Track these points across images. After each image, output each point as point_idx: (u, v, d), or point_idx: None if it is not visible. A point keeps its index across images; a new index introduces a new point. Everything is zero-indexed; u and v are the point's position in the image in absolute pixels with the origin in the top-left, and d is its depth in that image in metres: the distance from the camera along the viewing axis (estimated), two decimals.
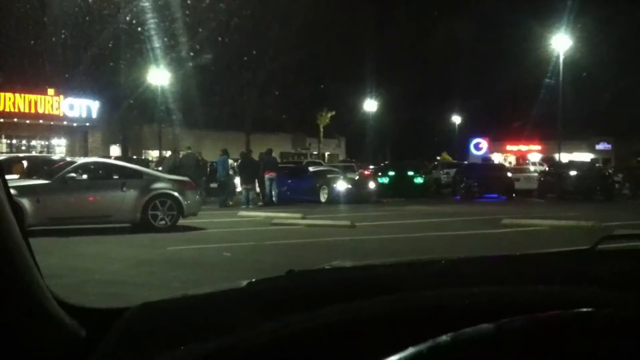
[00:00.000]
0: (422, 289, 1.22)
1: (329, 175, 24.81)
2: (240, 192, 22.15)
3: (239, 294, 1.37)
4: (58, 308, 1.22)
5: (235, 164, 23.54)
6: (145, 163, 25.73)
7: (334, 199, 22.76)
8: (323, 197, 23.25)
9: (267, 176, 22.26)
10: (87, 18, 26.08)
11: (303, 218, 15.76)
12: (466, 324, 0.82)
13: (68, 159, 18.67)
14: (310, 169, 26.26)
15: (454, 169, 33.07)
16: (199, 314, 1.23)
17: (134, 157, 35.15)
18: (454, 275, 1.41)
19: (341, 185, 23.45)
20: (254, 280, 1.46)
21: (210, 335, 1.09)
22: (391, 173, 28.67)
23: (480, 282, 1.26)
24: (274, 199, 22.10)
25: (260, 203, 21.39)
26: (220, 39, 30.94)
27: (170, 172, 17.70)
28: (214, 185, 23.23)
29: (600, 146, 57.84)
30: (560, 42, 35.88)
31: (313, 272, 1.60)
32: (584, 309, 0.89)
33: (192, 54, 30.96)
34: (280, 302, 1.26)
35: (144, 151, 41.73)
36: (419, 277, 1.41)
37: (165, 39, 28.31)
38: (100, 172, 14.57)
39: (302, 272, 1.50)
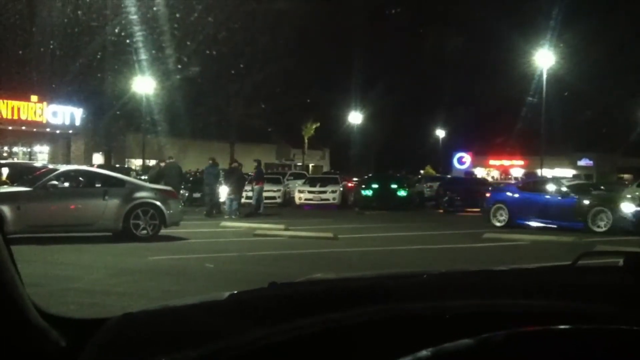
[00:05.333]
0: (404, 301, 1.22)
1: (595, 192, 18.77)
2: (224, 202, 22.02)
3: (221, 304, 1.37)
4: (39, 318, 1.22)
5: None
6: (126, 172, 25.51)
7: (618, 225, 16.69)
8: (596, 225, 17.07)
9: (257, 187, 22.57)
10: (74, 28, 25.97)
11: (286, 229, 15.74)
12: (447, 338, 0.82)
13: (50, 166, 18.50)
14: (565, 182, 19.61)
15: (437, 183, 33.22)
16: (180, 324, 1.23)
17: (117, 165, 34.98)
18: (436, 289, 1.42)
19: (628, 207, 17.04)
20: (235, 291, 1.46)
21: (192, 345, 1.09)
22: (375, 185, 28.70)
23: (462, 296, 1.27)
24: (260, 209, 22.30)
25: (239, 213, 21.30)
26: (207, 51, 30.94)
27: (153, 181, 17.63)
28: (197, 195, 23.11)
29: (582, 162, 58.38)
30: (544, 59, 36.30)
31: (296, 284, 1.60)
32: (564, 326, 0.91)
33: (179, 65, 30.94)
34: (263, 312, 1.26)
35: (127, 160, 41.53)
36: (401, 290, 1.42)
37: (152, 50, 28.26)
38: (82, 180, 14.46)
39: (285, 284, 1.50)
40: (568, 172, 48.83)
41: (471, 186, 29.02)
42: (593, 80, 43.76)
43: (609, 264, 1.83)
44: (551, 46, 36.12)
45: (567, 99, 43.90)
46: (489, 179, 44.96)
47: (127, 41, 26.61)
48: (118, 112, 35.56)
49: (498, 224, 18.58)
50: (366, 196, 28.08)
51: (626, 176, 36.65)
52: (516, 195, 19.16)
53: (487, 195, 21.21)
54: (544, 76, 35.84)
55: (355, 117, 54.64)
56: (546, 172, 39.40)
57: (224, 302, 1.38)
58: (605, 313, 1.14)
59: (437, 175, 42.50)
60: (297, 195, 29.46)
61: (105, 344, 1.18)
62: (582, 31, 41.38)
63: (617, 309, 1.15)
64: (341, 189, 29.64)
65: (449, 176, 40.42)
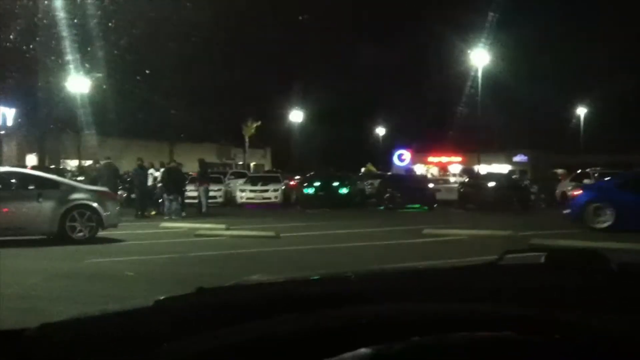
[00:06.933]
0: (328, 306, 1.23)
1: None
2: (163, 203, 21.70)
3: (145, 312, 1.35)
4: None
5: (158, 173, 22.92)
6: (61, 173, 24.86)
7: None
8: None
9: (202, 187, 22.65)
10: (2, 26, 25.12)
11: (227, 229, 15.62)
12: (358, 346, 0.83)
13: None
14: None
15: (378, 180, 33.54)
16: (100, 334, 1.21)
17: (52, 166, 34.03)
18: (362, 292, 1.43)
19: None
20: (162, 297, 1.43)
21: (113, 357, 1.07)
22: (317, 183, 28.78)
23: (385, 298, 1.29)
24: (203, 209, 22.25)
25: (183, 214, 21.05)
26: (141, 49, 30.32)
27: (92, 182, 17.26)
28: (134, 196, 22.75)
29: (518, 158, 59.80)
30: (479, 57, 37.16)
31: (225, 289, 1.59)
32: (481, 332, 0.92)
33: (112, 64, 30.23)
34: (188, 320, 1.24)
35: (62, 160, 40.42)
36: (329, 293, 1.42)
37: (84, 47, 27.55)
38: (14, 182, 14.01)
39: (213, 290, 1.49)
40: (504, 168, 50.02)
41: (411, 183, 29.43)
42: (529, 78, 45.02)
43: (530, 260, 1.88)
44: (488, 45, 37.02)
45: (503, 97, 45.10)
46: (429, 175, 45.60)
47: (59, 40, 25.88)
48: (52, 112, 34.60)
49: (599, 226, 15.12)
50: (308, 194, 28.13)
51: (560, 171, 37.72)
52: (625, 193, 15.36)
53: (576, 192, 17.19)
54: (479, 74, 36.70)
55: (296, 116, 54.69)
56: (483, 168, 40.30)
57: (149, 309, 1.36)
58: (524, 316, 1.16)
59: (378, 172, 42.86)
60: (238, 194, 29.29)
61: (22, 358, 1.14)
62: (519, 30, 42.52)
63: (534, 310, 1.18)
64: (283, 187, 29.61)
65: (389, 173, 40.84)
